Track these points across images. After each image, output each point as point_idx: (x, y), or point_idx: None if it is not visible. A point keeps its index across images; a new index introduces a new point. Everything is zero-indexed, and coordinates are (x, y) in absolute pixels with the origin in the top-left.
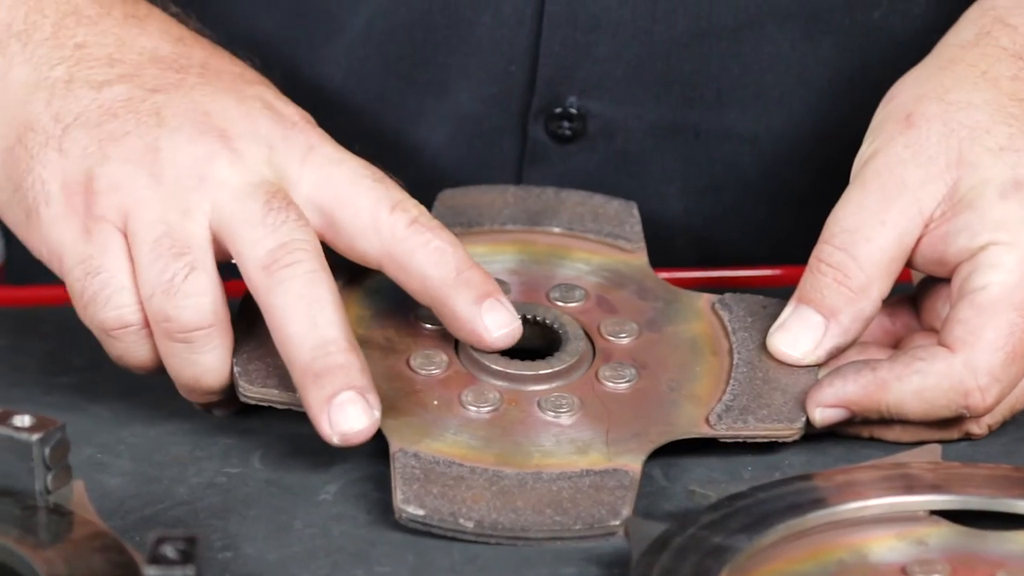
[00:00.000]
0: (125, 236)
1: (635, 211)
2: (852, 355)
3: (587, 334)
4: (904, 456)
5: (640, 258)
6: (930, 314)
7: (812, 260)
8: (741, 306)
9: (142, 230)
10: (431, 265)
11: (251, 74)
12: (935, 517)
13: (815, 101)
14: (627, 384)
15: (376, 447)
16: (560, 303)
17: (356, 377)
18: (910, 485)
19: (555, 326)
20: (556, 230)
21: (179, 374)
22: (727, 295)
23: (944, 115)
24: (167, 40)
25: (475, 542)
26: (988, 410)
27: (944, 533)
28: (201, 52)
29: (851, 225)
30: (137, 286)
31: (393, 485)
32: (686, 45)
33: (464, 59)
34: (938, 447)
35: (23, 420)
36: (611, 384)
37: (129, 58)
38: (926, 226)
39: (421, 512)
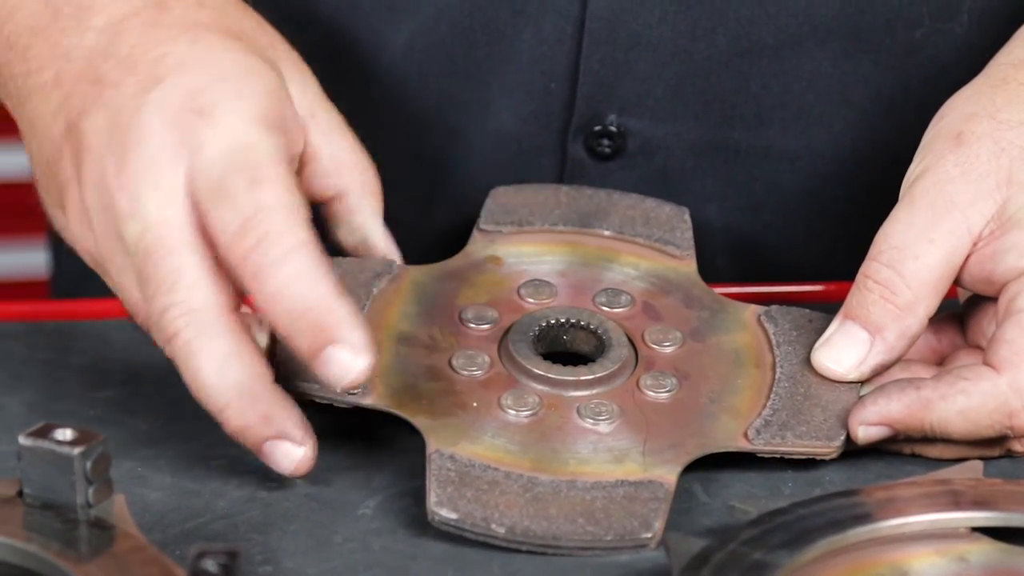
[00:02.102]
0: None
1: (687, 216)
2: (896, 372)
3: (631, 341)
4: (946, 473)
5: (689, 265)
6: (976, 332)
7: (859, 277)
8: (787, 319)
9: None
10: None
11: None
12: (977, 534)
13: (856, 120)
14: (667, 394)
15: (416, 464)
16: (606, 307)
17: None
18: (952, 502)
19: (599, 331)
20: (606, 233)
21: None
22: (773, 307)
23: (995, 134)
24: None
25: (506, 548)
26: None
27: (986, 550)
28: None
29: (899, 242)
30: None
31: (428, 487)
32: (726, 63)
33: (504, 77)
34: (980, 464)
35: (64, 434)
36: (651, 393)
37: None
38: (974, 245)
39: (454, 516)
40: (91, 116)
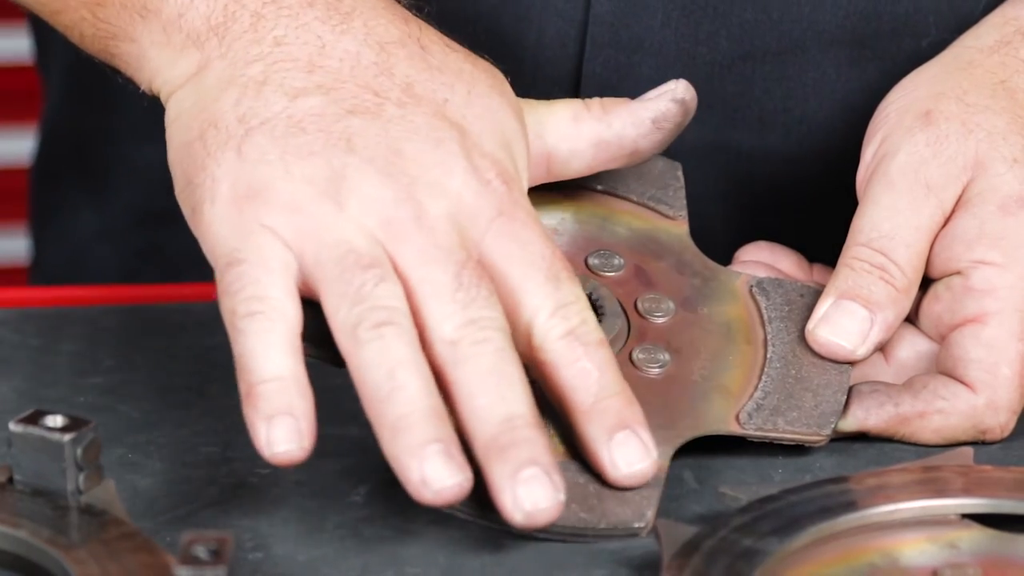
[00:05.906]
0: (291, 248)
1: (679, 173)
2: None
3: (623, 309)
4: (935, 459)
5: (681, 226)
6: None
7: (850, 260)
8: (779, 292)
9: (324, 250)
10: (570, 388)
11: (454, 105)
12: (967, 521)
13: (859, 126)
14: (659, 369)
15: None
16: (598, 271)
17: (541, 453)
18: (941, 488)
19: (593, 297)
20: (598, 187)
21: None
22: (765, 280)
23: (963, 115)
24: (370, 45)
25: (500, 530)
26: (1004, 436)
27: (976, 537)
28: (405, 66)
29: (888, 230)
30: (276, 282)
31: None
32: (729, 68)
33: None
34: (970, 450)
35: (55, 420)
36: (643, 368)
37: (329, 64)
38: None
39: None
40: (367, 124)
